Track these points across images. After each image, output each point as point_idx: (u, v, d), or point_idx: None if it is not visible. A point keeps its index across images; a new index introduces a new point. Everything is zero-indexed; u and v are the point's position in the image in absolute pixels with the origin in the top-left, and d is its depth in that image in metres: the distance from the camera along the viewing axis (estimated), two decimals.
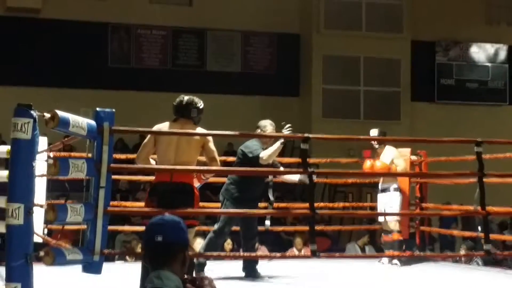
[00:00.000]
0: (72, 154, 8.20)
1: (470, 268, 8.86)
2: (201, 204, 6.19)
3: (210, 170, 6.01)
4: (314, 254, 6.09)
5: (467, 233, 10.03)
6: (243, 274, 7.02)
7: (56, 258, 4.94)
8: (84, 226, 5.51)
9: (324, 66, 16.63)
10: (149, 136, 5.85)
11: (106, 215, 5.31)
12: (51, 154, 6.94)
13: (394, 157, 8.32)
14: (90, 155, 5.38)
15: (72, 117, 5.03)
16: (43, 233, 6.79)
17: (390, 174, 8.36)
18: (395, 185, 8.32)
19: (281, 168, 7.44)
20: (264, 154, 6.80)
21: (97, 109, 5.41)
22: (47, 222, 5.44)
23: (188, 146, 5.72)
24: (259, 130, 7.02)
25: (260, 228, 7.49)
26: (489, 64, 17.96)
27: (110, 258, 8.47)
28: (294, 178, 7.23)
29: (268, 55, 16.94)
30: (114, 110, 5.41)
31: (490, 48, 18.03)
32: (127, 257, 9.32)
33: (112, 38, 16.08)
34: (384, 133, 8.53)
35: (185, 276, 2.82)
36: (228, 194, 6.93)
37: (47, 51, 15.21)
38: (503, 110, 17.88)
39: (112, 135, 5.33)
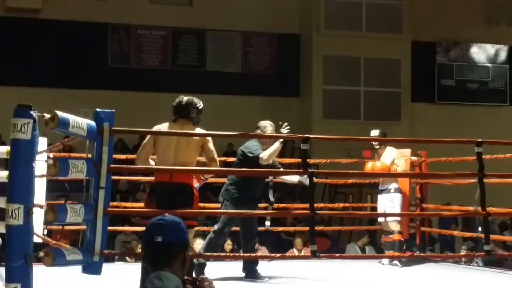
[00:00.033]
0: (72, 154, 8.19)
1: (471, 269, 8.85)
2: (201, 204, 6.19)
3: (209, 171, 6.00)
4: (314, 255, 6.08)
5: (468, 234, 10.02)
6: (243, 274, 7.02)
7: (56, 258, 4.93)
8: (84, 227, 5.50)
9: (324, 66, 16.62)
10: (148, 136, 5.85)
11: (106, 216, 5.30)
12: (51, 155, 6.94)
13: (395, 157, 8.32)
14: (90, 155, 5.37)
15: (72, 118, 5.03)
16: (43, 234, 6.78)
17: (390, 175, 8.35)
18: (395, 186, 8.31)
19: (281, 169, 7.43)
20: (264, 154, 6.80)
21: (97, 109, 5.40)
22: (47, 222, 5.43)
23: (187, 147, 5.72)
24: (258, 131, 7.01)
25: (260, 228, 7.48)
26: (489, 65, 17.96)
27: (110, 259, 8.46)
28: (294, 179, 7.22)
29: (268, 56, 16.93)
30: (114, 110, 5.40)
31: (490, 48, 18.03)
32: (127, 258, 9.31)
33: (112, 39, 16.07)
34: (385, 134, 8.51)
35: (185, 277, 2.82)
36: (228, 194, 6.92)
37: (47, 52, 15.20)
38: (503, 111, 17.87)
39: (112, 135, 5.32)
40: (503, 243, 11.01)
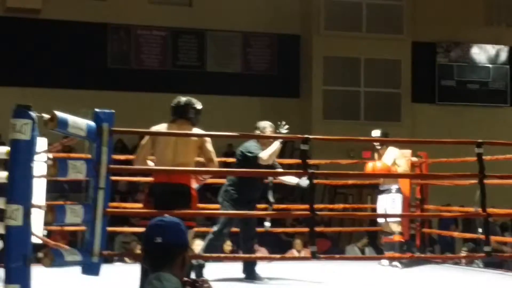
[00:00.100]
0: (71, 155, 8.17)
1: (471, 270, 8.84)
2: (201, 205, 6.17)
3: (208, 171, 5.99)
4: (314, 256, 6.07)
5: (468, 235, 10.01)
6: (242, 275, 7.00)
7: (55, 259, 4.92)
8: (83, 228, 5.49)
9: (324, 67, 16.61)
10: (146, 137, 5.84)
11: (105, 216, 5.30)
12: (50, 155, 6.92)
13: (396, 157, 8.30)
14: (89, 156, 5.36)
15: (71, 118, 5.02)
16: (42, 235, 6.77)
17: (390, 176, 8.33)
18: (397, 186, 8.29)
19: (280, 169, 7.41)
20: (264, 154, 6.78)
21: (97, 110, 5.39)
22: (46, 223, 5.42)
23: (185, 147, 5.71)
24: (257, 132, 7.00)
25: (259, 229, 7.47)
26: (490, 65, 17.95)
27: (109, 260, 8.44)
28: (293, 180, 7.19)
29: (268, 56, 16.91)
30: (113, 111, 5.39)
31: (491, 49, 18.02)
32: (126, 259, 9.29)
33: (111, 39, 16.06)
34: (386, 134, 8.50)
35: (185, 279, 2.80)
36: (227, 195, 6.90)
37: (46, 52, 15.20)
38: (504, 111, 17.85)
39: (111, 136, 5.32)
40: (504, 245, 11.00)
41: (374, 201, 9.24)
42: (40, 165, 5.14)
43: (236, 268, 7.10)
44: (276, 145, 6.79)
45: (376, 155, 8.44)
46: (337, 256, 8.71)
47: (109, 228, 6.09)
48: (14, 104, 4.84)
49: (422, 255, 8.80)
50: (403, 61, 17.00)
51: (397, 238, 8.25)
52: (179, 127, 5.76)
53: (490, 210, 6.80)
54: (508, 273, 8.53)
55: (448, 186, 9.42)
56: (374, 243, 11.35)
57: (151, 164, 5.87)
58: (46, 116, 4.84)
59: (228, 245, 9.64)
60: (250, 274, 6.97)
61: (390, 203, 8.24)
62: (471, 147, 6.68)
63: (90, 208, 5.22)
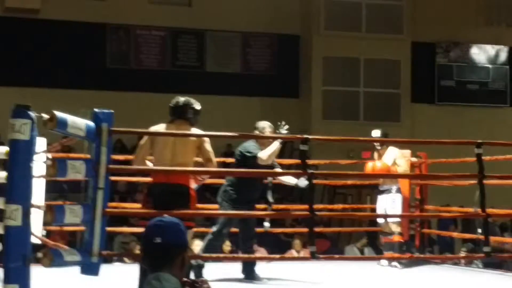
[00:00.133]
0: (70, 155, 8.17)
1: (470, 270, 8.84)
2: (200, 205, 6.16)
3: (207, 172, 5.98)
4: (313, 256, 6.06)
5: (467, 235, 10.00)
6: (242, 276, 7.00)
7: (54, 259, 4.92)
8: (82, 228, 5.48)
9: (324, 67, 16.61)
10: (145, 137, 5.83)
11: (104, 216, 5.29)
12: (50, 155, 6.91)
13: (396, 157, 8.29)
14: (88, 156, 5.36)
15: (70, 118, 5.01)
16: (42, 235, 6.76)
17: (390, 176, 8.33)
18: (397, 186, 8.29)
19: (280, 170, 7.41)
20: (263, 154, 6.77)
21: (96, 110, 5.38)
22: (45, 223, 5.41)
23: (184, 147, 5.70)
24: (256, 132, 6.99)
25: (258, 229, 7.46)
26: (489, 66, 17.95)
27: (108, 260, 8.43)
28: (291, 180, 7.18)
29: (268, 56, 16.92)
30: (112, 111, 5.39)
31: (490, 49, 18.02)
32: (126, 259, 9.28)
33: (111, 39, 16.05)
34: (386, 134, 8.49)
35: (184, 279, 2.80)
36: (226, 196, 6.90)
37: (45, 52, 15.19)
38: (503, 112, 17.85)
39: (110, 136, 5.31)
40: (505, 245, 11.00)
41: (373, 201, 9.24)
42: (39, 165, 5.13)
43: (235, 268, 7.09)
44: (275, 145, 6.78)
45: (376, 155, 8.44)
46: (337, 256, 8.70)
47: (108, 228, 6.09)
48: (13, 104, 4.83)
49: (422, 256, 8.79)
50: (402, 61, 17.00)
51: (396, 238, 8.24)
52: (178, 127, 5.76)
53: (489, 210, 6.80)
54: (507, 273, 8.52)
55: (447, 187, 9.42)
56: (374, 243, 11.34)
57: (150, 164, 5.86)
58: (45, 116, 4.83)
59: (227, 245, 9.64)
60: (249, 274, 6.96)
61: (390, 203, 8.23)
62: (471, 147, 6.68)
63: (89, 208, 5.21)
